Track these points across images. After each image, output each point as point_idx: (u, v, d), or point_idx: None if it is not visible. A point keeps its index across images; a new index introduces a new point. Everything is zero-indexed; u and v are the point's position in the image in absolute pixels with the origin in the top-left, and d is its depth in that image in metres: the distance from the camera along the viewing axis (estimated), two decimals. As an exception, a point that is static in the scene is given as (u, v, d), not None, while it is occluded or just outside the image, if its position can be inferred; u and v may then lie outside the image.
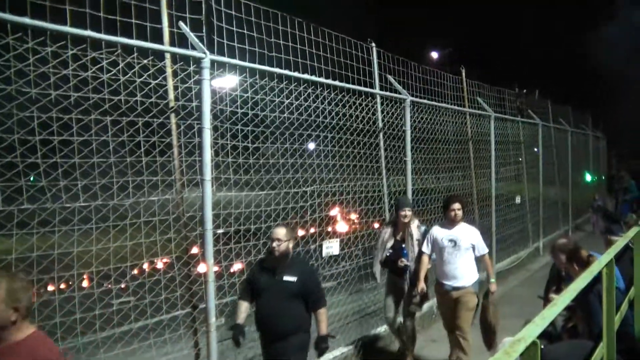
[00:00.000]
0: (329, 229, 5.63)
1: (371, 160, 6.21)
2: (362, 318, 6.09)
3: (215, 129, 4.28)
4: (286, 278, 3.83)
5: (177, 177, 4.05)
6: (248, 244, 4.67)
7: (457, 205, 5.17)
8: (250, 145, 4.71)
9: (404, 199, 5.64)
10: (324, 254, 5.31)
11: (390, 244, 5.33)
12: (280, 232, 3.89)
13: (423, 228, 5.44)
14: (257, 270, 4.02)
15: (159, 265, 4.20)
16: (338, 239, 5.48)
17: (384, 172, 6.31)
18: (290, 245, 3.93)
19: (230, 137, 4.55)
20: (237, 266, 4.69)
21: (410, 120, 6.52)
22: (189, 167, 4.17)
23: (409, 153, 6.42)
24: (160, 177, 3.97)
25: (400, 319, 5.50)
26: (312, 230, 5.35)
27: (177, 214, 4.04)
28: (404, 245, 5.27)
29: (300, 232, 5.32)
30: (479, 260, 5.28)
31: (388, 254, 5.31)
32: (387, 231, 5.40)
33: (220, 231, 4.33)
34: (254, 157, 4.80)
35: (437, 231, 5.24)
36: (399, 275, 5.31)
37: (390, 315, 5.42)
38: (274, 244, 3.85)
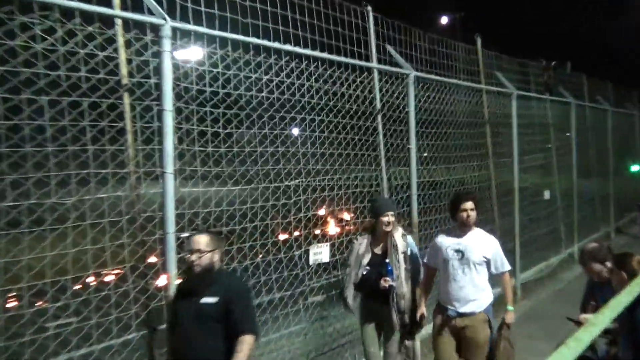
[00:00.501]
0: (317, 231, 5.66)
1: (368, 148, 6.28)
2: (331, 351, 5.90)
3: (178, 111, 4.33)
4: (205, 300, 3.54)
5: (131, 169, 4.06)
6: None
7: (469, 205, 4.87)
8: (221, 130, 4.75)
9: (385, 201, 5.35)
10: (311, 262, 5.36)
11: (366, 259, 4.99)
12: (201, 240, 3.64)
13: (409, 238, 5.15)
14: (176, 293, 3.82)
15: (109, 277, 4.19)
16: (328, 244, 5.51)
17: (383, 162, 6.38)
18: (216, 258, 3.68)
19: (197, 121, 4.59)
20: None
21: (415, 100, 6.59)
22: (146, 157, 4.21)
23: (413, 139, 6.47)
24: (111, 170, 3.99)
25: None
26: (296, 233, 5.37)
27: (131, 214, 4.06)
28: (387, 261, 4.90)
29: (282, 236, 5.35)
30: (497, 279, 5.07)
31: (365, 272, 4.96)
32: (363, 243, 5.08)
33: (184, 235, 4.33)
34: (226, 145, 4.84)
35: (442, 238, 5.04)
36: (381, 300, 4.91)
37: (374, 350, 5.07)
38: (193, 257, 3.57)
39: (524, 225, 9.47)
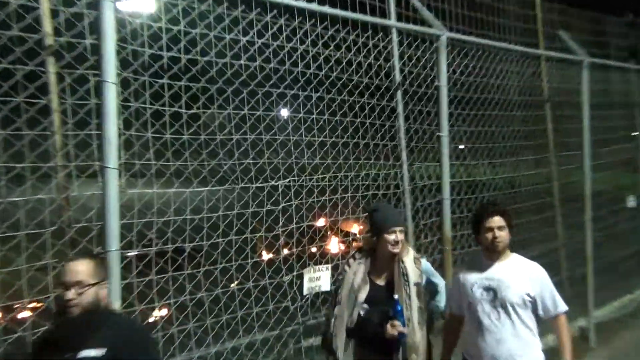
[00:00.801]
0: (314, 248, 5.66)
1: (383, 136, 6.31)
2: None
3: (124, 84, 4.36)
4: (86, 354, 3.29)
5: (58, 163, 4.05)
6: (180, 274, 4.74)
7: (495, 221, 4.69)
8: (183, 110, 4.78)
9: (391, 210, 4.97)
10: (305, 291, 5.34)
11: (364, 293, 4.70)
12: (81, 268, 3.38)
13: (424, 263, 4.95)
14: (40, 344, 3.57)
15: (24, 313, 4.19)
16: (329, 266, 5.49)
17: (404, 155, 6.41)
18: (103, 294, 3.48)
19: (150, 97, 4.60)
20: (160, 312, 4.70)
21: (448, 71, 6.56)
22: (79, 146, 4.20)
23: (445, 124, 6.44)
24: (30, 164, 4.00)
25: None
26: (285, 251, 5.37)
27: (58, 225, 4.05)
28: (395, 297, 4.65)
29: (267, 256, 5.36)
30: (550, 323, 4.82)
31: (363, 313, 4.70)
32: (359, 270, 4.79)
33: (132, 253, 4.34)
34: (190, 130, 4.87)
35: (464, 272, 4.89)
36: (385, 353, 4.67)
37: None
38: (70, 294, 3.31)
39: (599, 244, 9.39)
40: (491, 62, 7.51)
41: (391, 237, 4.64)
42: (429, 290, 4.94)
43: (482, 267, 4.77)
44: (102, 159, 3.92)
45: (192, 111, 4.85)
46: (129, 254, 4.26)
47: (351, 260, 4.85)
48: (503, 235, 4.67)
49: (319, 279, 5.42)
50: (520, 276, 4.68)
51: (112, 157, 3.92)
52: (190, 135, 4.86)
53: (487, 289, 4.70)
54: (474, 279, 4.76)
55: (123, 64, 4.28)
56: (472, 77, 7.24)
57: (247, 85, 5.18)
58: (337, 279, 5.05)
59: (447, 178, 6.41)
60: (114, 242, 3.92)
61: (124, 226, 4.07)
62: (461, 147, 7.13)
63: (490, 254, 4.75)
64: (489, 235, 4.68)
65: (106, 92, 3.90)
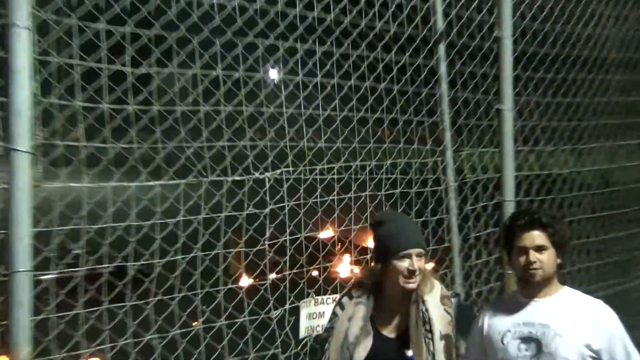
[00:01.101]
0: (315, 271, 5.63)
1: (418, 109, 6.24)
2: None
3: (41, 30, 4.30)
4: None
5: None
6: (121, 306, 4.73)
7: (533, 237, 4.41)
8: (129, 69, 4.78)
9: (404, 224, 4.86)
10: (302, 332, 5.31)
11: (363, 348, 4.57)
12: None
13: (455, 301, 4.79)
14: None
15: None
16: (337, 297, 5.43)
17: (447, 136, 6.36)
18: None
19: (80, 50, 4.57)
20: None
21: (514, 16, 6.50)
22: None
23: (508, 92, 6.38)
24: None
25: None
26: (273, 275, 5.33)
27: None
28: (409, 354, 4.55)
29: (247, 281, 5.31)
30: None
31: None
32: (358, 315, 4.71)
33: (50, 276, 4.29)
34: (139, 98, 4.88)
35: (491, 316, 4.67)
36: None
37: None
38: None
39: None
40: (577, 3, 7.46)
41: (404, 264, 4.46)
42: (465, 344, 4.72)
43: (516, 307, 4.53)
44: (8, 138, 3.92)
45: (141, 70, 4.81)
46: (44, 277, 4.21)
47: (345, 300, 4.76)
48: (543, 260, 4.36)
49: (321, 315, 5.41)
50: (576, 320, 4.39)
51: (23, 135, 3.93)
52: (139, 106, 4.82)
53: (527, 339, 4.41)
54: (505, 325, 4.49)
55: (40, 0, 4.20)
56: (549, 25, 7.19)
57: (221, 33, 5.15)
58: (326, 328, 4.90)
59: (510, 171, 6.37)
60: (22, 260, 3.92)
61: (38, 236, 4.07)
62: (531, 124, 7.07)
63: (527, 288, 4.50)
64: (522, 259, 4.39)
65: (14, 41, 3.91)
